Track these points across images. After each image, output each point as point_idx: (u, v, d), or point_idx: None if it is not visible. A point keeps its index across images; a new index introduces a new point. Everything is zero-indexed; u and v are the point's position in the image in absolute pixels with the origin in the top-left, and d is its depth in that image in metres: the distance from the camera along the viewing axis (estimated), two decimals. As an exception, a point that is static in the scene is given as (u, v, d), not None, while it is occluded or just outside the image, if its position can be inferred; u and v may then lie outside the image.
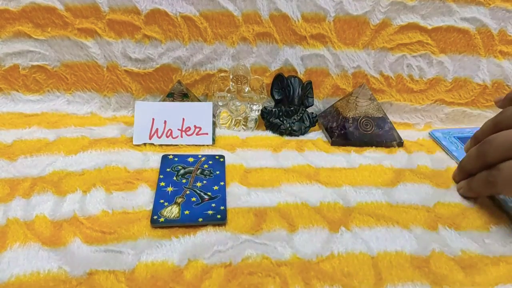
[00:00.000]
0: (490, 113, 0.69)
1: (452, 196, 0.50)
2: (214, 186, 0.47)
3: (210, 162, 0.51)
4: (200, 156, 0.52)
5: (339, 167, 0.54)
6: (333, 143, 0.60)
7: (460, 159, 0.52)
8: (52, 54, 0.60)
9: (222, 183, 0.48)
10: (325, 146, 0.59)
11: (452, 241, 0.43)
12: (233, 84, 0.62)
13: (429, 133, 0.65)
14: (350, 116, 0.61)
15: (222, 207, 0.44)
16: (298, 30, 0.62)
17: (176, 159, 0.51)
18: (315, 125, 0.64)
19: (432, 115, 0.69)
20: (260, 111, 0.62)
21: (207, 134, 0.57)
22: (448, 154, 0.59)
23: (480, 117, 0.69)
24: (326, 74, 0.66)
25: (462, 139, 0.62)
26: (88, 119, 0.60)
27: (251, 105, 0.62)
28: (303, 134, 0.62)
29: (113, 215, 0.43)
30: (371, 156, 0.57)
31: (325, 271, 0.38)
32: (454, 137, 0.63)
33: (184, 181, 0.48)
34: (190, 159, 0.51)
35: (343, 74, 0.66)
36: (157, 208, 0.43)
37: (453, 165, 0.56)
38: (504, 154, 0.43)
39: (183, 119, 0.57)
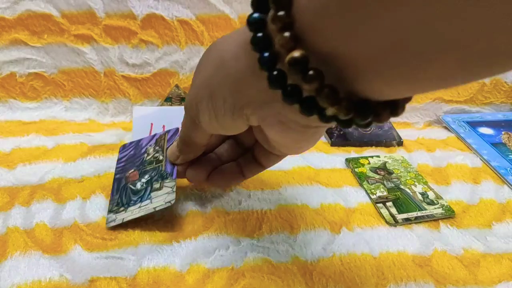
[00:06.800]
0: (489, 110, 0.69)
1: (453, 194, 0.50)
2: None
3: None
4: None
5: (339, 168, 0.54)
6: (332, 144, 0.60)
7: (467, 141, 0.59)
8: (49, 61, 0.60)
9: None
10: (325, 147, 0.59)
11: (454, 240, 0.43)
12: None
13: (440, 117, 0.67)
14: (349, 116, 0.60)
15: None
16: (294, 31, 0.62)
17: None
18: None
19: (431, 114, 0.68)
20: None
21: (206, 137, 0.56)
22: (458, 139, 0.63)
23: (479, 114, 0.69)
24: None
25: (470, 123, 0.65)
26: (87, 126, 0.60)
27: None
28: (302, 135, 0.62)
29: (114, 221, 0.43)
30: (371, 156, 0.57)
31: (327, 273, 0.38)
32: (463, 121, 0.66)
33: None
34: None
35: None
36: None
37: (454, 163, 0.56)
38: None
39: (182, 123, 0.57)
